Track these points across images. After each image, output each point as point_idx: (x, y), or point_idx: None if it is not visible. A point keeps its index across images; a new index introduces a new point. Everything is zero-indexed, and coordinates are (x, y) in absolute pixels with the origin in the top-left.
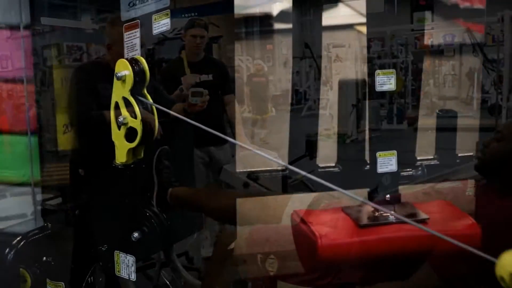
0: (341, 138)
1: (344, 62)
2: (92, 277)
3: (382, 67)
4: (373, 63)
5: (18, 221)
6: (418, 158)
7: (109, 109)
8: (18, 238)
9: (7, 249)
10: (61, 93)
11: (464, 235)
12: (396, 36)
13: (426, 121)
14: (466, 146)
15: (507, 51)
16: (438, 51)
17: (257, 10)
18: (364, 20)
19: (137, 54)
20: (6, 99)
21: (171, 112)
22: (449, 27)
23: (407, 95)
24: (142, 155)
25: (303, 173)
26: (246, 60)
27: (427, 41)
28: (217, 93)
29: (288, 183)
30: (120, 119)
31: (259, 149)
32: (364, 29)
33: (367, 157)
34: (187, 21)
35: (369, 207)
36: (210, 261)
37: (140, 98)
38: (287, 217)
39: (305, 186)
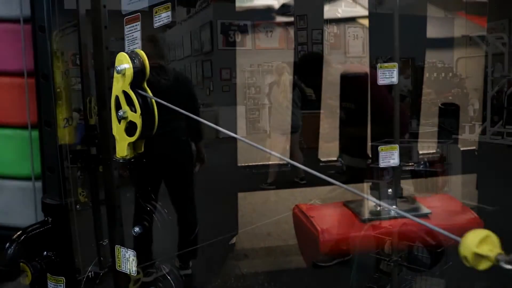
0: None
1: None
2: (92, 272)
3: None
4: None
5: (18, 215)
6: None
7: None
8: (19, 233)
9: (8, 244)
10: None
11: (466, 229)
12: None
13: None
14: None
15: None
16: None
17: None
18: None
19: (137, 47)
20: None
21: (181, 110)
22: None
23: None
24: (143, 149)
25: (306, 168)
26: None
27: None
28: None
29: None
30: (120, 113)
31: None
32: None
33: (369, 151)
34: None
35: (370, 202)
36: None
37: (140, 92)
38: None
39: None
